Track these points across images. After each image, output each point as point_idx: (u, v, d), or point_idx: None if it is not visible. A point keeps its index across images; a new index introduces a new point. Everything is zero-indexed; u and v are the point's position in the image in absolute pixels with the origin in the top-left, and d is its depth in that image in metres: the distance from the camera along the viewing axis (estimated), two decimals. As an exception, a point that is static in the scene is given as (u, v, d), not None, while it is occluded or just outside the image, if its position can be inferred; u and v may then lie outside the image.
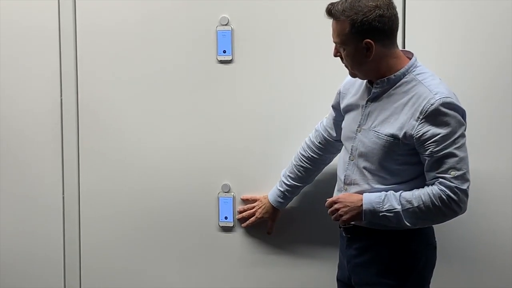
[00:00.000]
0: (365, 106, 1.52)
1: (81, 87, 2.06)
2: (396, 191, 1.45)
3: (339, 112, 1.63)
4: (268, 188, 1.85)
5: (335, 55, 1.50)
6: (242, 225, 1.88)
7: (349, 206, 1.48)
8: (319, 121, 1.77)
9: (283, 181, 1.76)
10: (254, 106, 1.89)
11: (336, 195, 1.54)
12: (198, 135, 1.94)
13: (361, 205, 1.45)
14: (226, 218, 1.88)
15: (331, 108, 1.69)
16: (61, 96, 2.07)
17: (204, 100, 1.92)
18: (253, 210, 1.81)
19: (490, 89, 1.77)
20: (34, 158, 2.11)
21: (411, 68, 1.45)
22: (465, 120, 1.46)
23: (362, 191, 1.50)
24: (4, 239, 2.15)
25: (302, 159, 1.76)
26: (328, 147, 1.71)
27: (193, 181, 1.94)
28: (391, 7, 1.43)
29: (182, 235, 1.98)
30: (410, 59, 1.48)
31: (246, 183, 1.90)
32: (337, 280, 1.64)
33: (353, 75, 1.52)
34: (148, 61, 1.97)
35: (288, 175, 1.76)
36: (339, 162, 1.59)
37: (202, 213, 1.94)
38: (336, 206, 1.49)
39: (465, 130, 1.46)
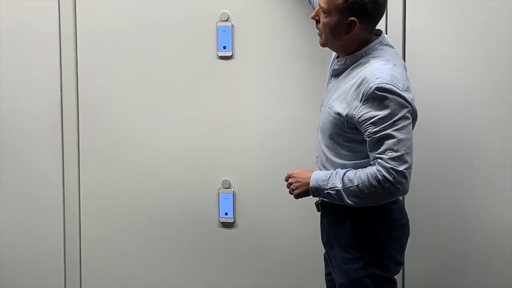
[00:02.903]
0: (328, 82, 1.55)
1: (81, 84, 2.04)
2: (352, 167, 1.48)
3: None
4: (268, 184, 1.84)
5: (313, 18, 1.49)
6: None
7: (300, 182, 1.50)
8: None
9: None
10: (254, 102, 1.87)
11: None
12: (198, 131, 1.91)
13: (308, 181, 1.49)
14: (226, 214, 1.85)
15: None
16: (61, 93, 2.05)
17: (204, 96, 1.89)
18: None
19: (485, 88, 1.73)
20: (34, 155, 2.09)
21: (370, 50, 1.46)
22: (410, 106, 1.44)
23: (323, 166, 1.53)
24: (6, 235, 2.14)
25: None
26: None
27: (193, 177, 1.91)
28: None
29: (183, 231, 1.95)
30: (377, 38, 1.50)
31: (246, 179, 1.87)
32: (324, 258, 1.65)
33: (323, 43, 1.52)
34: (148, 57, 1.94)
35: None
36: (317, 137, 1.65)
37: (202, 209, 1.92)
38: (290, 180, 1.52)
39: (411, 114, 1.45)
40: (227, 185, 1.86)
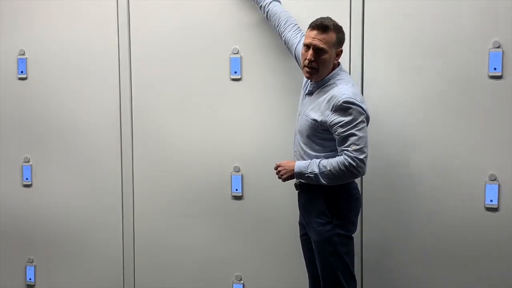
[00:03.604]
0: (303, 99, 1.80)
1: (134, 95, 2.34)
2: (321, 156, 1.71)
3: (299, 55, 1.82)
4: (266, 169, 2.12)
5: (312, 59, 1.68)
6: None
7: (286, 169, 1.77)
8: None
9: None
10: (256, 112, 2.19)
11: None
12: (217, 132, 2.23)
13: (293, 168, 1.73)
14: (236, 190, 2.18)
15: (302, 45, 1.79)
16: (120, 102, 2.35)
17: (221, 107, 2.21)
18: None
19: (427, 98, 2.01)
20: (100, 148, 2.40)
21: (334, 75, 1.72)
22: (365, 113, 1.68)
23: (301, 157, 1.77)
24: (77, 211, 2.45)
25: (270, 15, 1.95)
26: (279, 27, 1.95)
27: (213, 165, 2.24)
28: None
29: (207, 201, 2.28)
30: (339, 65, 1.75)
31: (250, 166, 2.20)
32: (299, 223, 1.94)
33: (311, 77, 1.71)
34: (182, 77, 2.26)
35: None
36: (294, 138, 1.87)
37: (220, 187, 2.24)
38: (279, 169, 1.79)
39: (366, 119, 1.69)
40: (237, 170, 2.18)
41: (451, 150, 1.98)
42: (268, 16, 1.98)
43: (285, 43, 1.97)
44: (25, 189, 2.46)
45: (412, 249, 2.03)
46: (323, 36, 1.67)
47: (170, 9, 2.22)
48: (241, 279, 2.23)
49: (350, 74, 1.95)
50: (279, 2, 1.99)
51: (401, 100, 2.00)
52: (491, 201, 1.94)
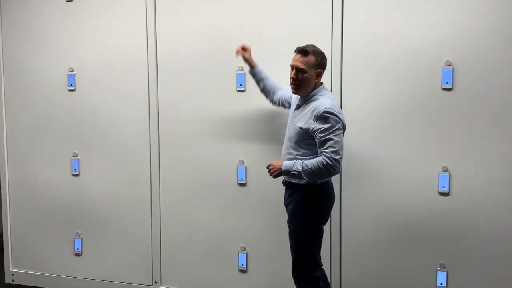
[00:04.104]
0: (293, 112, 1.87)
1: (160, 104, 2.41)
2: (306, 158, 1.74)
3: (289, 102, 1.97)
4: (265, 162, 2.06)
5: (293, 77, 1.77)
6: (237, 52, 1.99)
7: (276, 168, 1.81)
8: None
9: (261, 76, 1.99)
10: (257, 116, 2.28)
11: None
12: (226, 133, 2.32)
13: (281, 167, 1.78)
14: (241, 178, 2.30)
15: (290, 96, 1.93)
16: (148, 109, 2.42)
17: (229, 113, 2.31)
18: (246, 51, 1.98)
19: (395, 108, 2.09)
20: (133, 146, 2.48)
21: (317, 92, 1.80)
22: (342, 122, 1.72)
23: (289, 158, 1.81)
24: (115, 195, 2.53)
25: (267, 87, 1.99)
26: (276, 92, 2.01)
27: (223, 158, 2.34)
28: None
29: (218, 188, 2.37)
30: (322, 84, 1.83)
31: (252, 159, 2.30)
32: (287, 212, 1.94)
33: (296, 92, 1.79)
34: (197, 90, 2.34)
35: (265, 77, 1.99)
36: (283, 144, 1.92)
37: (228, 176, 2.34)
38: (269, 168, 1.84)
39: (342, 127, 1.74)
40: (242, 163, 2.30)
41: (412, 148, 2.10)
42: (263, 89, 2.05)
43: (279, 102, 2.04)
44: (74, 177, 2.59)
45: (382, 227, 2.16)
46: (303, 59, 1.75)
47: (189, 35, 2.33)
48: (245, 249, 2.36)
49: (331, 89, 2.09)
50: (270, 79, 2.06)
51: (372, 109, 2.13)
52: (444, 187, 2.06)
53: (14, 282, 2.76)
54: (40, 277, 2.71)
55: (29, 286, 2.74)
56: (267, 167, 1.85)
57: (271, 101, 2.08)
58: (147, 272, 2.52)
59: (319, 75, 1.79)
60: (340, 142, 1.71)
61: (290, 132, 1.85)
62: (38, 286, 2.72)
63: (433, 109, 2.05)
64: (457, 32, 2.00)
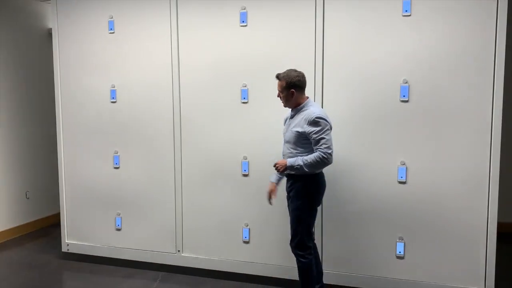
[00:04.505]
0: (289, 121, 2.02)
1: (182, 107, 2.55)
2: (304, 155, 1.90)
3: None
4: (264, 158, 2.35)
5: (278, 96, 1.97)
6: (271, 203, 2.11)
7: (282, 165, 1.95)
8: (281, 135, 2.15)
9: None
10: (259, 123, 2.42)
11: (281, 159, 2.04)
12: (233, 135, 2.48)
13: (286, 164, 1.92)
14: (245, 170, 2.46)
15: (284, 123, 2.11)
16: (173, 112, 2.59)
17: (235, 120, 2.47)
18: (270, 189, 2.10)
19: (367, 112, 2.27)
20: (160, 144, 2.65)
21: (306, 104, 1.96)
22: (329, 124, 1.86)
23: (288, 157, 1.96)
24: (146, 183, 2.70)
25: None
26: None
27: (230, 154, 2.49)
28: (303, 76, 1.98)
29: (226, 178, 2.53)
30: (308, 98, 1.99)
31: (254, 156, 2.44)
32: (286, 197, 2.09)
33: (284, 105, 1.99)
34: (211, 101, 2.52)
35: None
36: (283, 147, 2.06)
37: (234, 168, 2.50)
38: (276, 165, 1.97)
39: (330, 128, 1.87)
40: (245, 158, 2.47)
41: (377, 146, 2.29)
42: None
43: None
44: (115, 170, 2.78)
45: (353, 208, 2.35)
46: (278, 82, 1.99)
47: (204, 60, 2.52)
48: (247, 225, 2.55)
49: (316, 101, 2.29)
50: None
51: (347, 116, 2.30)
52: (401, 177, 2.24)
53: (68, 251, 2.99)
54: (88, 247, 2.92)
55: (80, 253, 2.94)
56: (274, 165, 1.99)
57: None
58: (172, 242, 2.71)
59: (292, 93, 1.94)
60: (330, 140, 1.88)
61: (288, 136, 1.99)
62: (86, 254, 2.92)
63: (393, 117, 2.22)
64: (412, 57, 2.19)
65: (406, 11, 2.17)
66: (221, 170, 2.55)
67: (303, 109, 1.96)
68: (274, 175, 2.13)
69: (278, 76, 1.97)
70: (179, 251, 2.71)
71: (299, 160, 1.90)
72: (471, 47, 2.12)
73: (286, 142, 2.01)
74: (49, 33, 3.69)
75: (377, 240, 2.34)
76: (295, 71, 1.98)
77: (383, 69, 2.23)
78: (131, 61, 2.69)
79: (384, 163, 2.27)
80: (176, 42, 2.57)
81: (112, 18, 2.67)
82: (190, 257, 2.66)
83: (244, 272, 2.55)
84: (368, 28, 2.25)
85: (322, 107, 2.29)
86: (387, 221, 2.31)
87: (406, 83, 2.18)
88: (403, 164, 2.24)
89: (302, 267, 2.00)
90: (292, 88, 1.95)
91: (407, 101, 2.19)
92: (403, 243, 2.29)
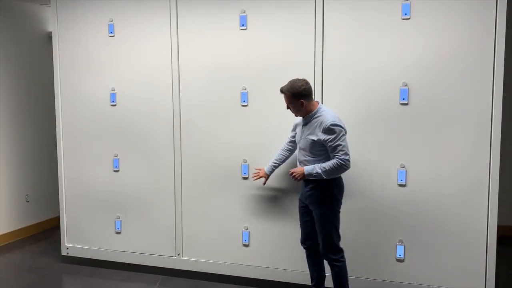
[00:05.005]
0: (302, 128, 2.02)
1: (182, 108, 2.54)
2: (320, 162, 1.94)
3: (294, 130, 2.18)
4: (263, 160, 2.36)
5: (287, 108, 2.02)
6: (253, 179, 2.31)
7: (299, 173, 1.98)
8: (288, 135, 2.27)
9: (272, 163, 2.20)
10: (258, 126, 2.45)
11: (298, 167, 2.06)
12: (233, 138, 2.51)
13: (303, 172, 1.95)
14: (244, 173, 2.49)
15: (292, 129, 2.21)
16: (173, 119, 2.57)
17: (235, 123, 2.49)
18: (260, 172, 2.25)
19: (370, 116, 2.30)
20: (160, 148, 2.66)
21: (317, 110, 1.98)
22: (344, 129, 1.89)
23: (304, 164, 1.98)
24: (146, 187, 2.71)
25: (283, 150, 2.20)
26: (292, 143, 2.22)
27: (230, 157, 2.51)
28: (308, 83, 1.99)
29: (226, 180, 2.54)
30: (318, 103, 2.02)
31: (253, 159, 2.47)
32: (299, 199, 2.15)
33: (295, 115, 2.04)
34: (211, 104, 2.53)
35: (274, 160, 2.20)
36: (297, 153, 2.10)
37: (234, 171, 2.53)
38: (293, 174, 2.00)
39: (345, 133, 1.90)
40: (245, 161, 2.49)
41: (377, 149, 2.30)
42: (289, 148, 2.16)
43: (293, 142, 2.16)
44: (115, 173, 2.79)
45: (355, 210, 2.35)
46: (284, 96, 2.01)
47: (204, 63, 2.53)
48: (247, 228, 2.56)
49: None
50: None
51: (348, 120, 2.26)
52: (401, 180, 2.25)
53: (68, 254, 2.98)
54: (88, 250, 2.92)
55: (80, 257, 2.94)
56: (291, 174, 2.00)
57: (292, 149, 2.21)
58: (171, 246, 2.72)
59: (302, 104, 1.95)
60: (346, 145, 1.89)
61: (303, 144, 2.00)
62: (86, 257, 2.91)
63: (393, 120, 2.24)
64: (411, 61, 2.21)
65: (406, 14, 2.19)
66: (221, 173, 2.58)
67: (315, 116, 1.95)
68: (268, 166, 2.17)
69: (282, 90, 1.96)
70: (178, 254, 2.71)
71: (317, 168, 1.90)
72: (470, 49, 2.14)
73: (301, 149, 2.01)
74: (49, 37, 3.70)
75: (377, 243, 2.35)
76: (298, 80, 1.97)
77: (382, 72, 2.23)
78: (131, 65, 2.71)
79: (384, 166, 2.29)
80: (176, 46, 2.58)
81: (112, 21, 2.68)
82: (190, 261, 2.68)
83: (244, 276, 2.57)
84: (368, 28, 2.26)
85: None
86: (387, 224, 2.33)
87: (405, 86, 2.20)
88: (403, 167, 2.26)
89: (338, 272, 1.98)
90: (301, 99, 1.95)
91: (406, 104, 2.20)
92: (403, 246, 2.31)
